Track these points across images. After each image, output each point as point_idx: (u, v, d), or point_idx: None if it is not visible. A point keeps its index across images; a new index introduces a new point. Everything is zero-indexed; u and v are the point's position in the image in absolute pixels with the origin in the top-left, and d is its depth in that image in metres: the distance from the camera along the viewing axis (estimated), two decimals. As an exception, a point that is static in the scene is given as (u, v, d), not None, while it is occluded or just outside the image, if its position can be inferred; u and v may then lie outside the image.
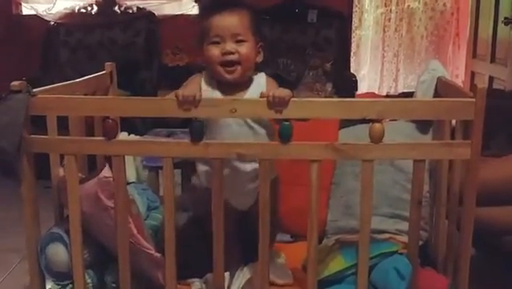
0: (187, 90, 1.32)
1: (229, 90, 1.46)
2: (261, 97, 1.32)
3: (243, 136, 1.42)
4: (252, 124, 1.44)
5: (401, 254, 1.43)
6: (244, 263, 1.53)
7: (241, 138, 1.40)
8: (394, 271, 1.36)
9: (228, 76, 1.44)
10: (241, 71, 1.44)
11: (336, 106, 1.32)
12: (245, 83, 1.48)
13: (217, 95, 1.46)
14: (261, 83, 1.49)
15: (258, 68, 1.53)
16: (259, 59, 1.50)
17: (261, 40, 1.50)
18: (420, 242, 1.48)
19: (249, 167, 1.44)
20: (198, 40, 1.47)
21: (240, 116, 1.40)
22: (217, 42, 1.43)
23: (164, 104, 1.33)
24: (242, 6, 1.47)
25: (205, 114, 1.32)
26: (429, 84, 1.68)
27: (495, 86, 3.63)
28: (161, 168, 1.38)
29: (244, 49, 1.43)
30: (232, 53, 1.42)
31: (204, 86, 1.47)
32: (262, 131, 1.45)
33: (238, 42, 1.43)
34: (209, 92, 1.45)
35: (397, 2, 4.90)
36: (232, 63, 1.43)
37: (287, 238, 1.80)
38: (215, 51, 1.43)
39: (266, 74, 1.52)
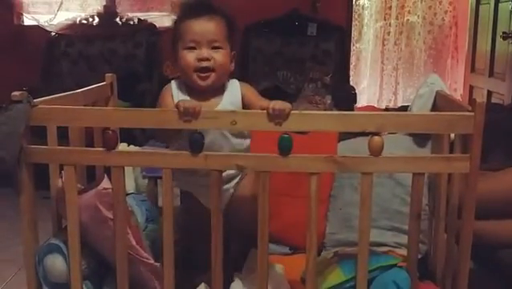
0: (188, 102, 1.32)
1: (201, 97, 1.44)
2: (261, 109, 1.32)
3: (217, 143, 1.43)
4: (226, 133, 1.44)
5: (400, 267, 1.43)
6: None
7: (214, 147, 1.41)
8: (393, 285, 1.36)
9: (201, 83, 1.44)
10: (215, 78, 1.44)
11: (336, 119, 1.32)
12: (217, 91, 1.47)
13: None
14: (234, 90, 1.48)
15: (235, 76, 1.53)
16: (232, 67, 1.50)
17: (233, 49, 1.50)
18: (419, 256, 1.48)
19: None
20: (172, 42, 1.47)
21: (239, 129, 1.40)
22: (193, 48, 1.43)
23: (165, 116, 1.34)
24: (221, 13, 1.47)
25: (205, 126, 1.32)
26: (428, 98, 1.69)
27: (493, 100, 3.64)
28: (160, 178, 1.38)
29: (219, 56, 1.43)
30: (208, 59, 1.42)
31: (175, 93, 1.47)
32: (235, 140, 1.46)
33: (214, 48, 1.43)
34: (180, 98, 1.43)
35: (396, 16, 4.93)
36: (207, 69, 1.43)
37: (286, 250, 1.79)
38: (190, 57, 1.43)
39: (239, 80, 1.52)
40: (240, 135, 1.48)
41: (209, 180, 1.36)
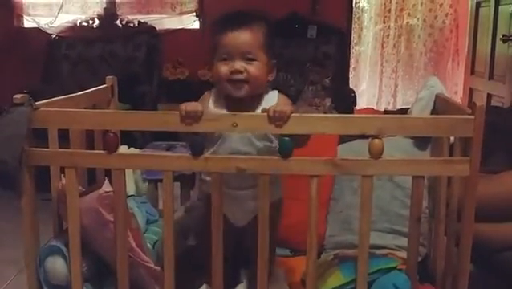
0: (190, 105, 1.32)
1: (237, 108, 1.39)
2: (262, 112, 1.32)
3: (242, 147, 1.41)
4: (251, 137, 1.42)
5: (400, 269, 1.43)
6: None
7: (240, 149, 1.39)
8: (393, 287, 1.36)
9: (235, 93, 1.40)
10: (249, 89, 1.41)
11: (336, 122, 1.33)
12: (254, 102, 1.44)
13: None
14: (272, 101, 1.43)
15: (271, 86, 1.48)
16: (271, 77, 1.45)
17: (274, 58, 1.45)
18: (419, 258, 1.49)
19: (249, 192, 1.43)
20: (210, 53, 1.44)
21: (241, 131, 1.40)
22: (226, 59, 1.40)
23: (167, 118, 1.34)
24: (257, 22, 1.43)
25: (207, 128, 1.33)
26: (427, 101, 1.70)
27: (493, 103, 3.64)
28: (161, 180, 1.38)
29: (253, 68, 1.39)
30: (240, 72, 1.39)
31: (211, 105, 1.45)
32: (260, 144, 1.44)
33: (248, 60, 1.40)
34: (215, 109, 1.42)
35: (396, 19, 4.94)
36: (239, 81, 1.40)
37: (286, 252, 1.80)
38: (223, 69, 1.40)
39: (279, 91, 1.48)
40: (266, 138, 1.43)
41: (240, 193, 1.40)
